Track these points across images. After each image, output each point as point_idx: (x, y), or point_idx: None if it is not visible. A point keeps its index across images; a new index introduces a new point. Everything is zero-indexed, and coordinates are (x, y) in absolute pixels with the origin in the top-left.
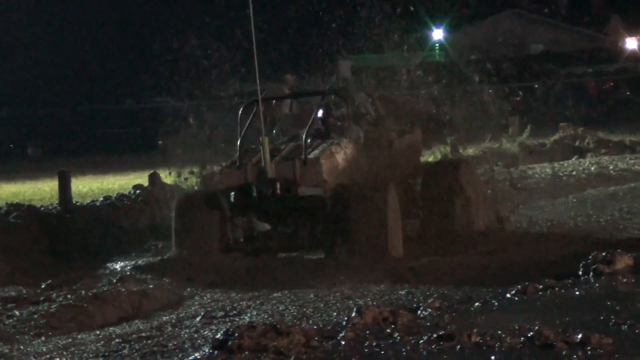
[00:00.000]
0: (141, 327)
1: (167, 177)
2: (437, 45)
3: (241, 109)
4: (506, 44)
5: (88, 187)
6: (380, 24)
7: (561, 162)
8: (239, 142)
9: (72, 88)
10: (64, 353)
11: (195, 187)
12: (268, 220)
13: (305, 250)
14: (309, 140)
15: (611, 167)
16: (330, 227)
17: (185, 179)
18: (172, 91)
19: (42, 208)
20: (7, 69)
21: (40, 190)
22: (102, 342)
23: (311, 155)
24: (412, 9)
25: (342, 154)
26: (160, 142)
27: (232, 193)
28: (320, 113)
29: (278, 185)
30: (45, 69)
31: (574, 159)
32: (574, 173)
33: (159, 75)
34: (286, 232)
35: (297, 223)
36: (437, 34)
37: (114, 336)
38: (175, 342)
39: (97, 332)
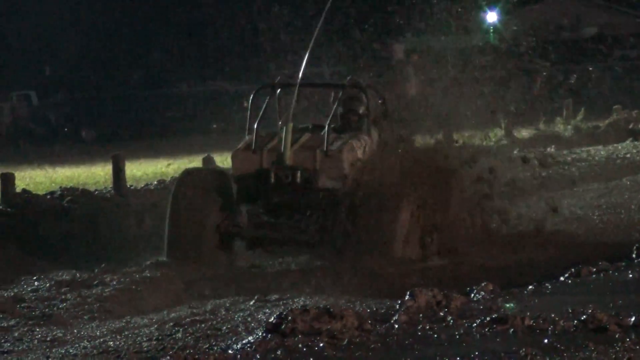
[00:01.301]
0: (195, 311)
1: (223, 161)
2: (491, 27)
3: (253, 93)
4: (559, 27)
5: (142, 170)
6: (434, 6)
7: (615, 145)
8: (255, 125)
9: (126, 72)
10: (118, 337)
11: None
12: (278, 210)
13: (311, 247)
14: (323, 132)
15: None
16: (343, 225)
17: None
18: (227, 75)
19: (96, 192)
20: (62, 54)
21: (94, 174)
22: (155, 326)
23: (332, 147)
24: None
25: (362, 149)
26: (214, 126)
27: (245, 178)
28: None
29: (299, 174)
30: (100, 54)
31: (628, 142)
32: (628, 156)
33: (214, 59)
34: (295, 225)
35: (309, 217)
36: (491, 17)
37: (167, 320)
38: (229, 326)
39: (151, 315)
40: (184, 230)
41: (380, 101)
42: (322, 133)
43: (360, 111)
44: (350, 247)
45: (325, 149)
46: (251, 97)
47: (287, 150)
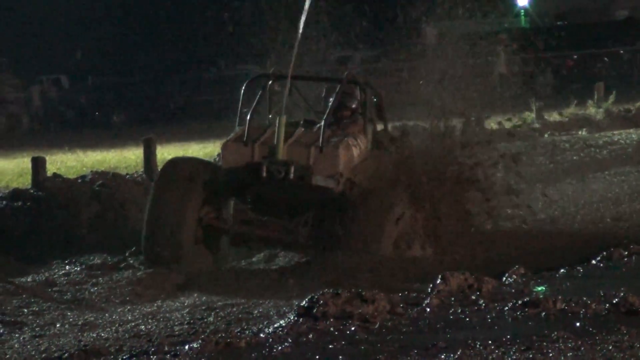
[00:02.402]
0: (226, 294)
1: None
2: (522, 11)
3: (246, 82)
4: (591, 10)
5: (173, 154)
6: None
7: None
8: (248, 117)
9: (157, 56)
10: (149, 320)
11: None
12: (265, 207)
13: (299, 247)
14: (318, 126)
15: None
16: (334, 225)
17: None
18: (257, 59)
19: (127, 176)
20: (93, 38)
21: (126, 158)
22: (187, 310)
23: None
24: None
25: (357, 148)
26: (244, 110)
27: (236, 170)
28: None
29: (292, 169)
30: (131, 37)
31: None
32: None
33: (244, 42)
34: (284, 225)
35: (299, 216)
36: (522, 0)
37: (198, 303)
38: (260, 310)
39: (182, 299)
40: (162, 222)
41: (375, 99)
42: (317, 127)
43: (353, 106)
44: (340, 247)
45: (320, 145)
46: (244, 87)
47: (280, 144)
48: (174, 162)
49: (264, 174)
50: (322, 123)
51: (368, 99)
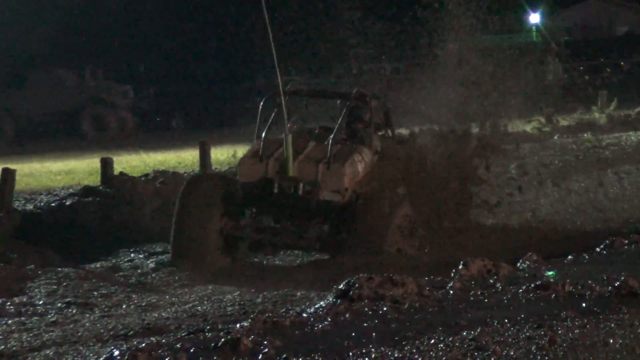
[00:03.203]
0: (271, 281)
1: None
2: (534, 27)
3: (263, 100)
4: (595, 27)
5: (225, 155)
6: (482, 8)
7: None
8: (263, 134)
9: (212, 67)
10: (205, 302)
11: None
12: (278, 216)
13: (310, 250)
14: (326, 143)
15: None
16: (339, 231)
17: None
18: (300, 70)
19: (185, 174)
20: (155, 51)
21: (183, 159)
22: (237, 293)
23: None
24: None
25: (362, 163)
26: (292, 119)
27: (251, 185)
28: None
29: (301, 186)
30: (186, 50)
31: None
32: None
33: (289, 55)
34: (295, 231)
35: (308, 224)
36: (534, 18)
37: (247, 288)
38: (302, 292)
39: (232, 284)
40: (187, 234)
41: (384, 111)
42: (325, 143)
43: (366, 119)
44: (346, 250)
45: (327, 162)
46: (261, 104)
47: (289, 162)
48: (196, 179)
49: (276, 190)
50: (330, 141)
51: (375, 112)
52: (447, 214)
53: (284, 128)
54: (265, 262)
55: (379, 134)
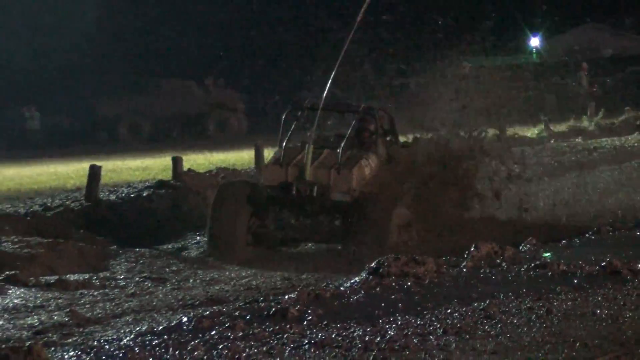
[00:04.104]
0: (314, 262)
1: None
2: (534, 49)
3: (285, 113)
4: (585, 49)
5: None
6: (492, 33)
7: (626, 137)
8: (284, 144)
9: (260, 82)
10: (259, 277)
11: None
12: (297, 214)
13: (324, 242)
14: (338, 151)
15: None
16: (349, 225)
17: None
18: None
19: (243, 171)
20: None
21: (241, 158)
22: (285, 270)
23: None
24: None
25: (368, 167)
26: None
27: (273, 188)
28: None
29: (315, 189)
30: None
31: (635, 134)
32: (636, 145)
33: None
34: (312, 227)
35: (322, 220)
36: (534, 42)
37: (293, 267)
38: (340, 271)
39: (283, 262)
40: (220, 233)
41: (389, 123)
42: (337, 151)
43: (372, 129)
44: (354, 241)
45: (338, 168)
46: (283, 117)
47: (307, 168)
48: (227, 185)
49: (294, 192)
50: (340, 150)
51: (381, 122)
52: (447, 207)
53: (306, 139)
54: (288, 252)
55: (387, 138)
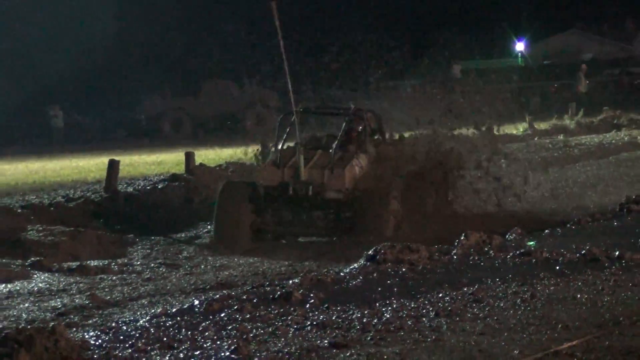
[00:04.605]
0: (315, 250)
1: None
2: (519, 54)
3: (280, 117)
4: (566, 53)
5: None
6: (480, 37)
7: (604, 134)
8: (279, 146)
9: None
10: (265, 263)
11: None
12: (293, 211)
13: (320, 236)
14: (331, 151)
15: (639, 138)
16: (342, 220)
17: None
18: (344, 84)
19: (250, 165)
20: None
21: (249, 153)
22: (289, 257)
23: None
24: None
25: (359, 167)
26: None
27: (271, 187)
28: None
29: (311, 188)
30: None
31: (613, 132)
32: (613, 142)
33: (332, 70)
34: (307, 221)
35: (317, 216)
36: (520, 46)
37: (297, 254)
38: (340, 258)
39: (287, 250)
40: (224, 228)
41: (377, 123)
42: (330, 152)
43: (359, 129)
44: (348, 234)
45: (331, 168)
46: (279, 120)
47: (301, 169)
48: (229, 185)
49: (291, 192)
50: (333, 150)
51: (369, 122)
52: (433, 200)
53: (297, 141)
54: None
55: (375, 137)
